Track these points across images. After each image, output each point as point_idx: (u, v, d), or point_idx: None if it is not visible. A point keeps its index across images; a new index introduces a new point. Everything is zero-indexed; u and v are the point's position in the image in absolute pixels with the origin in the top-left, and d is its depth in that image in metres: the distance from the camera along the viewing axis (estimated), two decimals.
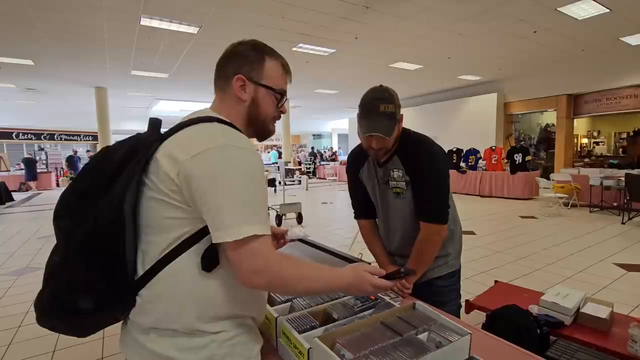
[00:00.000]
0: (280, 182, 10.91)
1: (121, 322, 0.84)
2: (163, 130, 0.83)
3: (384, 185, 1.45)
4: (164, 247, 0.76)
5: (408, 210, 1.42)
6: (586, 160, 11.25)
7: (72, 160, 14.56)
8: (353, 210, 1.65)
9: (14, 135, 19.50)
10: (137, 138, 0.81)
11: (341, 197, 10.34)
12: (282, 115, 0.97)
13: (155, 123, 0.83)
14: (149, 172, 0.77)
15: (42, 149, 17.56)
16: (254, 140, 1.04)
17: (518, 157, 8.99)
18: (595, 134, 13.02)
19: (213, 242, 0.73)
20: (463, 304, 2.46)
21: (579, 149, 12.52)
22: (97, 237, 0.73)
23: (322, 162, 18.46)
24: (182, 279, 0.75)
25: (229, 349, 0.79)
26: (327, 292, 1.12)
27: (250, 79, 0.88)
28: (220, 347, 0.78)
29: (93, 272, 0.73)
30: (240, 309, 0.82)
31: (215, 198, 0.71)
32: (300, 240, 1.91)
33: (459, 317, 1.50)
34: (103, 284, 0.74)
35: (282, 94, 0.93)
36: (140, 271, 0.77)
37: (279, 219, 6.25)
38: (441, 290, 1.47)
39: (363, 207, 1.60)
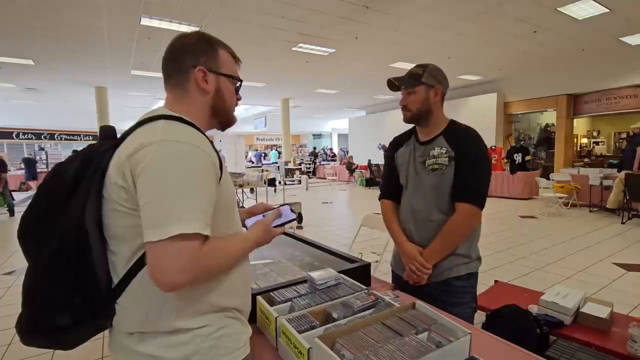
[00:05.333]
0: (280, 182, 10.92)
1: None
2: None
3: (419, 165, 1.47)
4: (129, 256, 0.76)
5: (442, 189, 1.40)
6: (586, 160, 11.24)
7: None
8: (380, 192, 1.70)
9: (14, 135, 19.51)
10: (89, 150, 0.80)
11: (341, 197, 10.34)
12: (239, 102, 0.96)
13: (106, 132, 0.82)
14: (105, 184, 0.75)
15: (42, 149, 17.55)
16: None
17: (518, 157, 8.98)
18: (595, 133, 13.01)
19: (144, 241, 0.69)
20: None
21: (578, 149, 12.51)
22: (63, 256, 0.72)
23: (322, 162, 18.47)
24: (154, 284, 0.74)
25: (214, 342, 0.79)
26: None
27: (210, 70, 0.86)
28: (205, 341, 0.78)
29: (65, 290, 0.73)
30: (222, 302, 0.82)
31: (146, 194, 0.69)
32: (300, 239, 1.91)
33: (472, 320, 1.48)
34: (77, 299, 0.74)
35: (240, 80, 0.93)
36: (115, 280, 0.78)
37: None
38: (458, 290, 1.42)
39: (391, 188, 1.63)
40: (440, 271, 1.42)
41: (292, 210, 1.02)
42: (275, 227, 0.95)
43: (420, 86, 1.40)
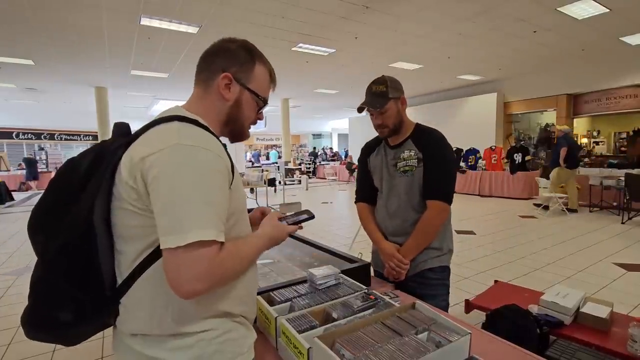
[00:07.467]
0: (280, 182, 10.93)
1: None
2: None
3: (392, 168, 1.57)
4: (135, 256, 0.75)
5: (413, 189, 1.49)
6: (586, 160, 11.23)
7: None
8: (355, 195, 1.78)
9: (14, 135, 19.53)
10: (102, 146, 0.79)
11: (341, 197, 10.34)
12: (258, 121, 0.95)
13: (120, 128, 0.81)
14: (116, 182, 0.75)
15: (42, 149, 17.56)
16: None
17: (518, 157, 8.98)
18: (595, 133, 13.00)
19: (161, 248, 0.68)
20: (463, 303, 2.47)
21: None
22: (69, 250, 0.72)
23: (322, 162, 18.48)
24: (159, 285, 0.73)
25: (217, 347, 0.78)
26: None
27: (237, 80, 0.86)
28: (209, 345, 0.77)
29: (69, 285, 0.73)
30: (227, 308, 0.81)
31: (161, 200, 0.68)
32: (300, 239, 1.91)
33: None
34: (80, 295, 0.74)
35: (265, 101, 0.91)
36: (119, 280, 0.77)
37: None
38: (432, 282, 1.52)
39: (365, 192, 1.72)
40: (415, 264, 1.51)
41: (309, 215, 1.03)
42: (291, 224, 0.95)
43: (389, 102, 1.48)
